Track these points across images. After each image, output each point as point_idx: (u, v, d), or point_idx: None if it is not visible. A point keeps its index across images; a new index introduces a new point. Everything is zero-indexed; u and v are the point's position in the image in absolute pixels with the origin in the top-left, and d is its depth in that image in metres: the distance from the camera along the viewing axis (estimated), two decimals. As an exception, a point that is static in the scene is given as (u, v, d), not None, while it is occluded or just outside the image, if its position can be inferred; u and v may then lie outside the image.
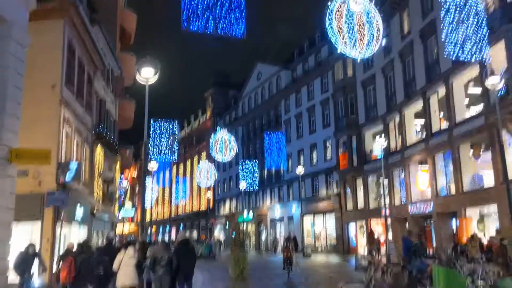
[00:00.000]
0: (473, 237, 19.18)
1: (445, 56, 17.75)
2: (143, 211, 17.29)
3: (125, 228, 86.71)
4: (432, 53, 27.87)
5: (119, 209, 35.01)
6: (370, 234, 29.61)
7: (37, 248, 15.91)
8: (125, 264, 11.60)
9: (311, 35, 49.24)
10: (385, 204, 27.30)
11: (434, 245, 27.38)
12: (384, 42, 15.78)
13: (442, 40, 17.43)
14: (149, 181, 52.60)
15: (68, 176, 17.13)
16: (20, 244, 13.64)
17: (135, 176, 76.95)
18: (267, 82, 56.69)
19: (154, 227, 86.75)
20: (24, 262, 13.15)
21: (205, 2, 14.21)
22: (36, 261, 13.50)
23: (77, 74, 19.81)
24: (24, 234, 16.20)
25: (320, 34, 46.43)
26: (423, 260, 13.89)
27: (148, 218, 77.76)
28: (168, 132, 39.55)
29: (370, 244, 28.42)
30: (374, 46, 15.71)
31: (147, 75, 15.81)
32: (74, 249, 13.79)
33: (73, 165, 17.26)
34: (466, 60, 17.64)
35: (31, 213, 16.47)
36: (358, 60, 15.74)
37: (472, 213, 24.25)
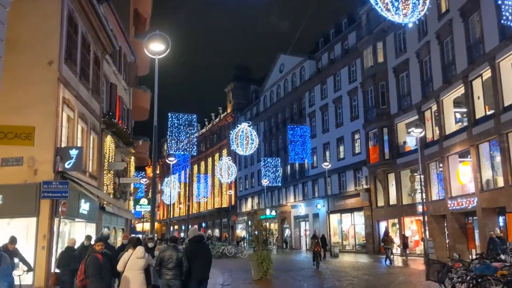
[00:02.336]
0: None
1: (502, 22, 15.31)
2: (153, 204, 15.21)
3: (146, 226, 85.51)
4: (474, 32, 25.15)
5: (134, 204, 33.07)
6: (386, 233, 27.97)
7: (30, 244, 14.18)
8: (131, 267, 9.33)
9: (338, 22, 46.61)
10: (423, 200, 24.73)
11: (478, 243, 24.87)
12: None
13: (499, 3, 15.03)
14: (169, 179, 50.87)
15: (68, 164, 15.13)
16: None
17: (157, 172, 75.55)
18: (290, 74, 54.24)
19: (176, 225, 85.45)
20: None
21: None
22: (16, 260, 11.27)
23: (80, 53, 17.73)
24: (19, 230, 14.19)
25: (347, 20, 43.92)
26: (488, 263, 11.31)
27: (171, 215, 76.54)
28: (186, 125, 37.83)
29: (386, 244, 26.91)
30: (421, 9, 13.40)
31: (157, 49, 14.25)
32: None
33: (74, 152, 15.25)
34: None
35: (26, 205, 14.50)
36: (405, 24, 13.26)
37: (524, 208, 21.55)
